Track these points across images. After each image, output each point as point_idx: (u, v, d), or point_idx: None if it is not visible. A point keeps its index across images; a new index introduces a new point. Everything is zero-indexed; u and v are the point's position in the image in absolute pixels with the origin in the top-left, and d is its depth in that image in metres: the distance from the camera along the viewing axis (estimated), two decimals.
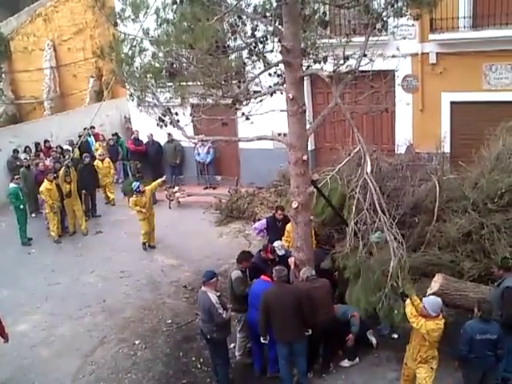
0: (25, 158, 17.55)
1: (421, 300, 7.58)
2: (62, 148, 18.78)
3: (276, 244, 9.70)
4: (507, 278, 8.22)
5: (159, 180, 15.16)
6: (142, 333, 10.63)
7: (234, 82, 8.61)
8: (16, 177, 15.56)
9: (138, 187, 14.17)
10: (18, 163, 17.92)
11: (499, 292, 8.15)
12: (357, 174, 10.16)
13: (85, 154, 17.09)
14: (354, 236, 7.65)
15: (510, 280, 8.19)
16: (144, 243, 14.43)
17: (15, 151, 18.49)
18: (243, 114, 8.92)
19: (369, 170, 7.36)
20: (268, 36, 8.65)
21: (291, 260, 9.11)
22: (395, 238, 7.01)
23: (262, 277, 8.79)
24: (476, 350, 7.36)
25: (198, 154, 18.01)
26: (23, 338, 10.70)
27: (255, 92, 8.87)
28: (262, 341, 8.51)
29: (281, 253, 9.47)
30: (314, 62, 9.21)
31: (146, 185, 17.50)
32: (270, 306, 8.18)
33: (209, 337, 8.61)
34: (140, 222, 14.31)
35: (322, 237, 10.41)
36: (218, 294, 8.51)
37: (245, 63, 8.77)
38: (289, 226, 10.32)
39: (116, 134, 20.28)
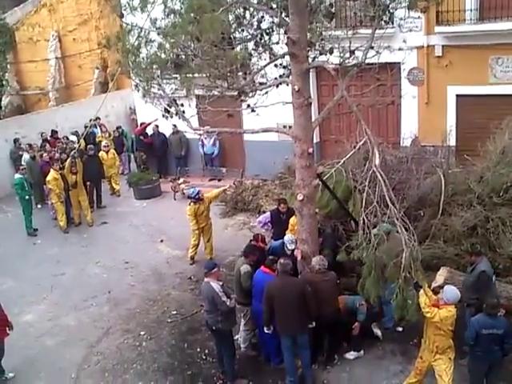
0: (30, 150, 17.54)
1: (434, 292, 7.64)
2: (68, 138, 18.81)
3: (286, 238, 9.68)
4: (479, 262, 8.44)
5: (221, 189, 13.48)
6: (147, 324, 10.67)
7: (239, 73, 8.58)
8: (21, 167, 15.63)
9: (198, 194, 12.37)
10: (20, 153, 17.99)
11: (475, 277, 8.33)
12: (362, 166, 10.16)
13: (89, 146, 17.11)
14: (364, 229, 7.62)
15: (483, 264, 8.43)
16: (192, 257, 12.87)
17: (16, 141, 18.58)
18: (248, 105, 8.92)
19: (377, 162, 7.32)
20: (274, 28, 8.64)
21: (298, 252, 9.13)
22: (406, 229, 6.98)
23: (262, 268, 8.78)
24: (482, 345, 7.37)
25: (202, 146, 18.00)
26: (29, 328, 10.76)
27: (261, 84, 8.86)
28: (266, 331, 8.55)
29: (291, 247, 9.43)
30: (320, 53, 9.19)
31: (150, 175, 17.66)
32: (274, 298, 8.21)
33: (214, 328, 8.63)
34: (192, 232, 12.77)
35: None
36: (221, 283, 8.55)
37: (251, 55, 8.74)
38: (293, 220, 10.31)
39: (120, 127, 20.28)
